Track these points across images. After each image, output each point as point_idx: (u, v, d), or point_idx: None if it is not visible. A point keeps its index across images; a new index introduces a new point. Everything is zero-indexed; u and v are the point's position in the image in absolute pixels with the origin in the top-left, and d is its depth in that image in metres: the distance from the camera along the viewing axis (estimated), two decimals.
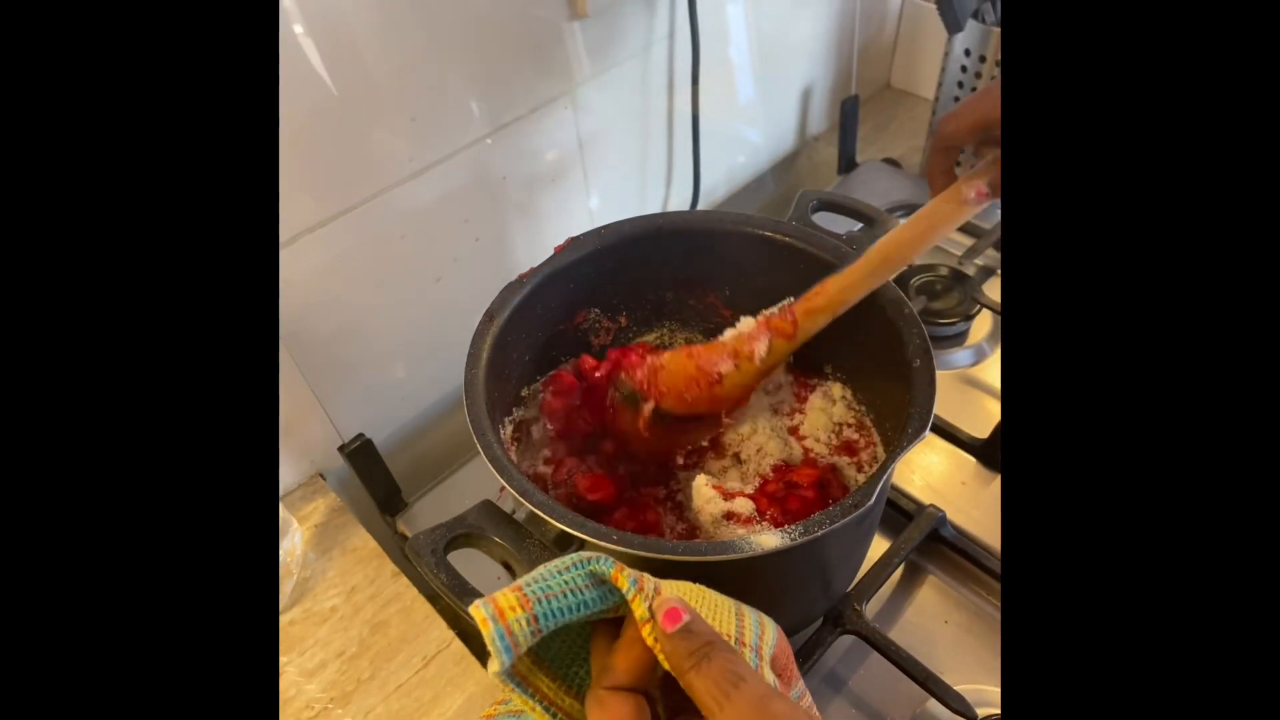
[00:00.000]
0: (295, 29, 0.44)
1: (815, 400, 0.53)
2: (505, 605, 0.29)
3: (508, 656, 0.28)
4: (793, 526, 0.36)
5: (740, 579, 0.40)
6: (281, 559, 0.55)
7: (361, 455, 0.56)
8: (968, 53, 0.74)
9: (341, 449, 0.55)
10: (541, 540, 0.37)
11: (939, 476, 0.60)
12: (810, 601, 0.46)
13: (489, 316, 0.46)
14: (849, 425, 0.52)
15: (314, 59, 0.46)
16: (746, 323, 0.46)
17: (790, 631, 0.48)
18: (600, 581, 0.30)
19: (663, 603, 0.29)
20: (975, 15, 0.70)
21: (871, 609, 0.53)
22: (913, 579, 0.56)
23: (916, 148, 0.90)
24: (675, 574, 0.38)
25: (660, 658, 0.29)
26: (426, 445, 0.66)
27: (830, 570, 0.45)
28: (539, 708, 0.31)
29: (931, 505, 0.55)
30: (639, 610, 0.29)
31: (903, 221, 0.43)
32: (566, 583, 0.30)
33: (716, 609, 0.33)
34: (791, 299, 0.45)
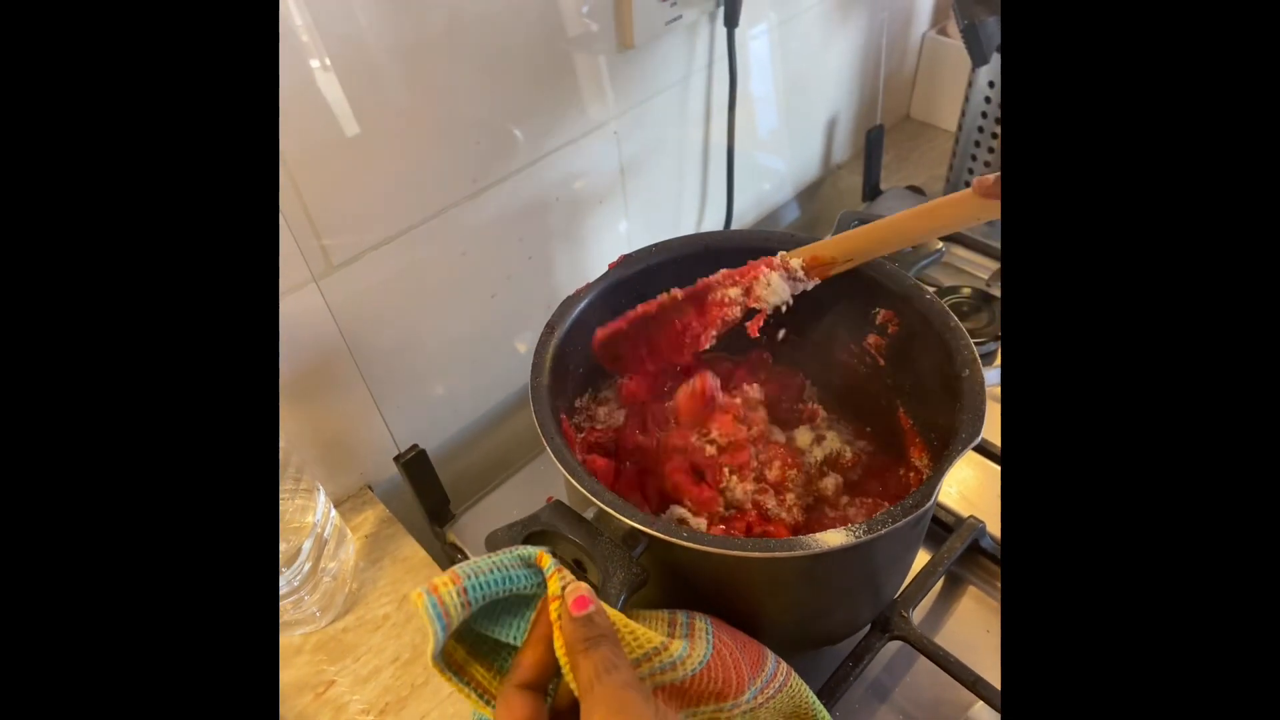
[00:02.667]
0: (378, 58, 0.47)
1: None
2: (439, 583, 0.32)
3: (440, 625, 0.32)
4: (856, 525, 0.38)
5: (800, 579, 0.42)
6: (337, 569, 0.56)
7: (416, 465, 0.58)
8: (991, 85, 0.77)
9: (397, 459, 0.57)
10: (611, 538, 0.38)
11: (976, 490, 0.61)
12: (860, 606, 0.48)
13: (550, 328, 0.48)
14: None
15: (393, 85, 0.48)
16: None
17: (838, 638, 0.49)
18: (527, 565, 0.35)
19: (574, 589, 0.34)
20: (999, 49, 0.73)
21: (915, 618, 0.54)
22: (954, 589, 0.57)
23: (938, 176, 0.93)
24: (743, 569, 0.40)
25: (557, 639, 0.33)
26: (473, 458, 0.67)
27: (882, 574, 0.46)
28: (474, 695, 0.35)
29: (971, 517, 0.56)
30: (553, 586, 0.34)
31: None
32: (495, 564, 0.34)
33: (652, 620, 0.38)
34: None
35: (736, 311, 0.49)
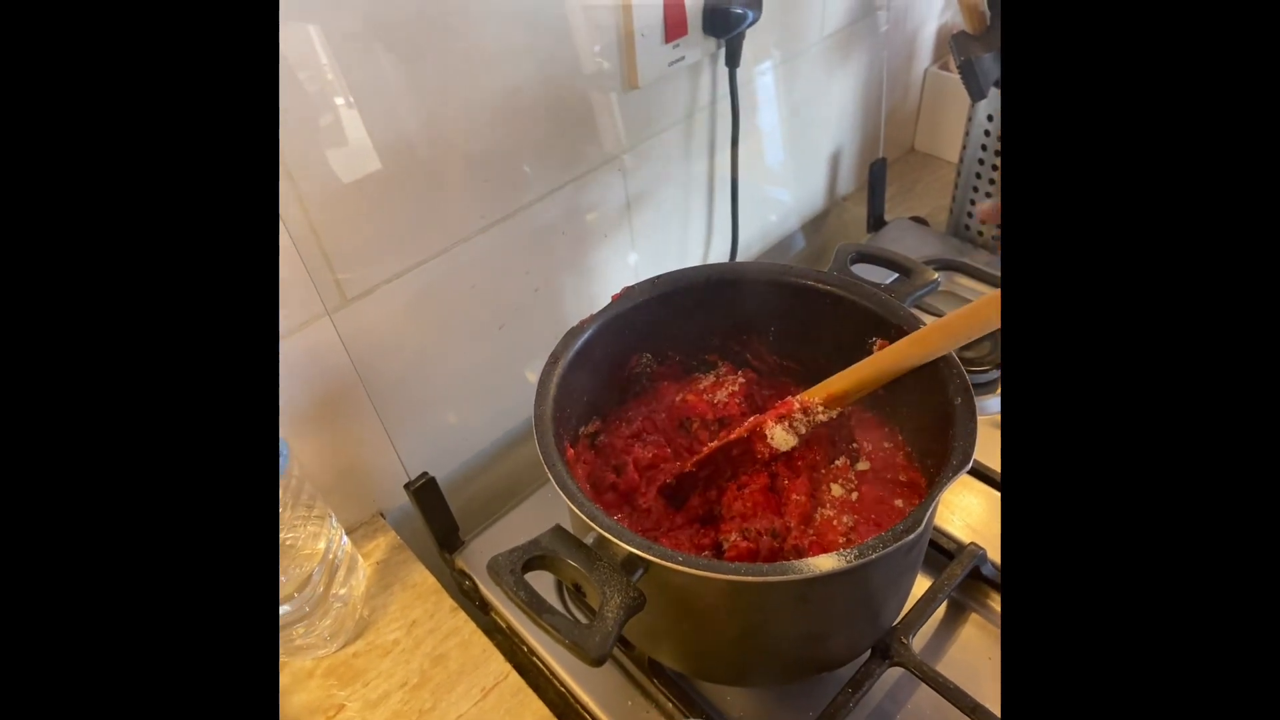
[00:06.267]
0: (394, 99, 0.49)
1: None
2: None
3: None
4: (847, 550, 0.38)
5: (795, 603, 0.43)
6: (348, 596, 0.58)
7: (426, 493, 0.59)
8: (990, 118, 0.79)
9: (407, 486, 0.59)
10: (610, 562, 0.39)
11: (978, 518, 0.61)
12: (858, 632, 0.48)
13: (554, 358, 0.50)
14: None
15: (408, 124, 0.51)
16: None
17: (838, 664, 0.50)
18: None
19: None
20: (997, 84, 0.75)
21: (916, 645, 0.54)
22: (956, 617, 0.57)
23: (942, 207, 0.94)
24: (740, 593, 0.41)
25: None
26: (482, 485, 0.69)
27: (878, 599, 0.46)
28: None
29: (973, 543, 0.56)
30: None
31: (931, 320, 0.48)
32: None
33: None
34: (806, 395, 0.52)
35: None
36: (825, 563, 0.38)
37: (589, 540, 0.41)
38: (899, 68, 0.95)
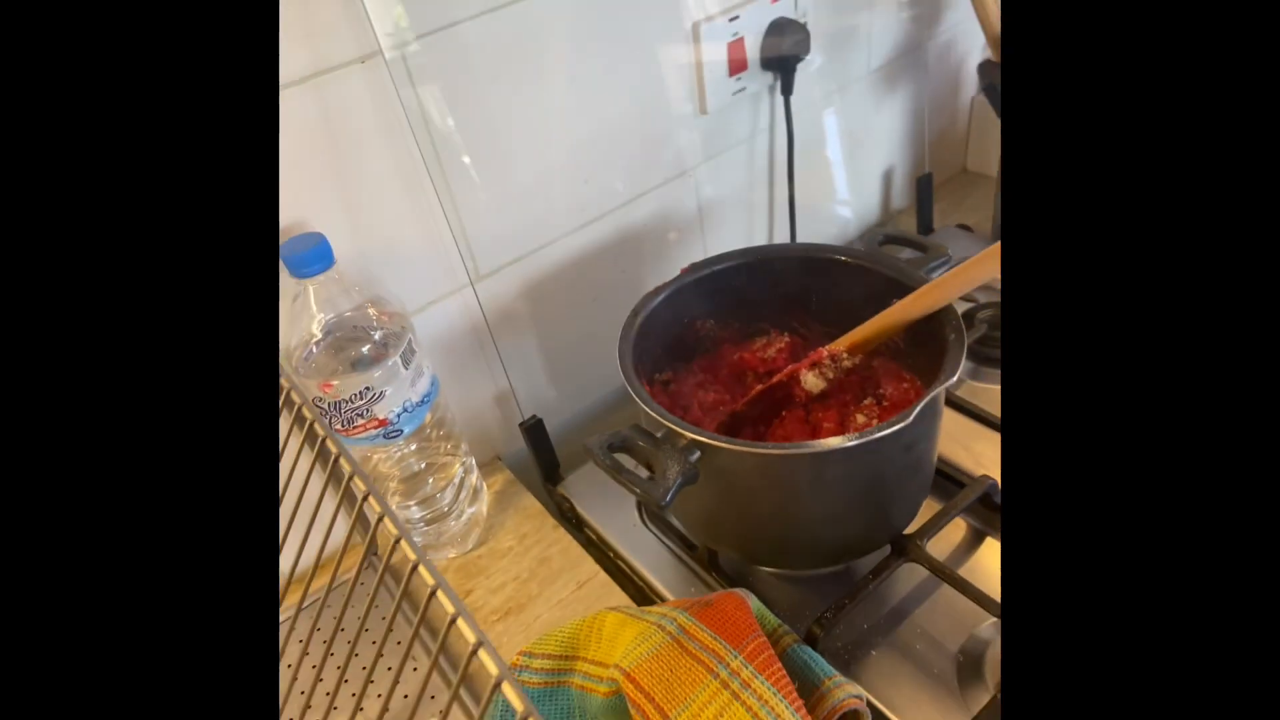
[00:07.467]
0: (517, 134, 0.67)
1: None
2: None
3: None
4: (850, 434, 0.51)
5: (812, 481, 0.55)
6: (474, 513, 0.74)
7: (535, 432, 0.75)
8: None
9: (521, 424, 0.75)
10: (673, 445, 0.53)
11: (993, 459, 0.71)
12: (874, 523, 0.59)
13: (634, 313, 0.64)
14: None
15: (526, 151, 0.68)
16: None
17: (858, 553, 0.62)
18: None
19: None
20: None
21: (936, 556, 0.64)
22: (975, 541, 0.67)
23: (988, 216, 1.05)
24: (769, 466, 0.54)
25: None
26: (576, 440, 0.84)
27: (887, 490, 0.58)
28: None
29: (984, 474, 0.67)
30: None
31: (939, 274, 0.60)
32: None
33: None
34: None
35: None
36: (831, 442, 0.51)
37: (659, 434, 0.55)
38: (946, 95, 1.07)
